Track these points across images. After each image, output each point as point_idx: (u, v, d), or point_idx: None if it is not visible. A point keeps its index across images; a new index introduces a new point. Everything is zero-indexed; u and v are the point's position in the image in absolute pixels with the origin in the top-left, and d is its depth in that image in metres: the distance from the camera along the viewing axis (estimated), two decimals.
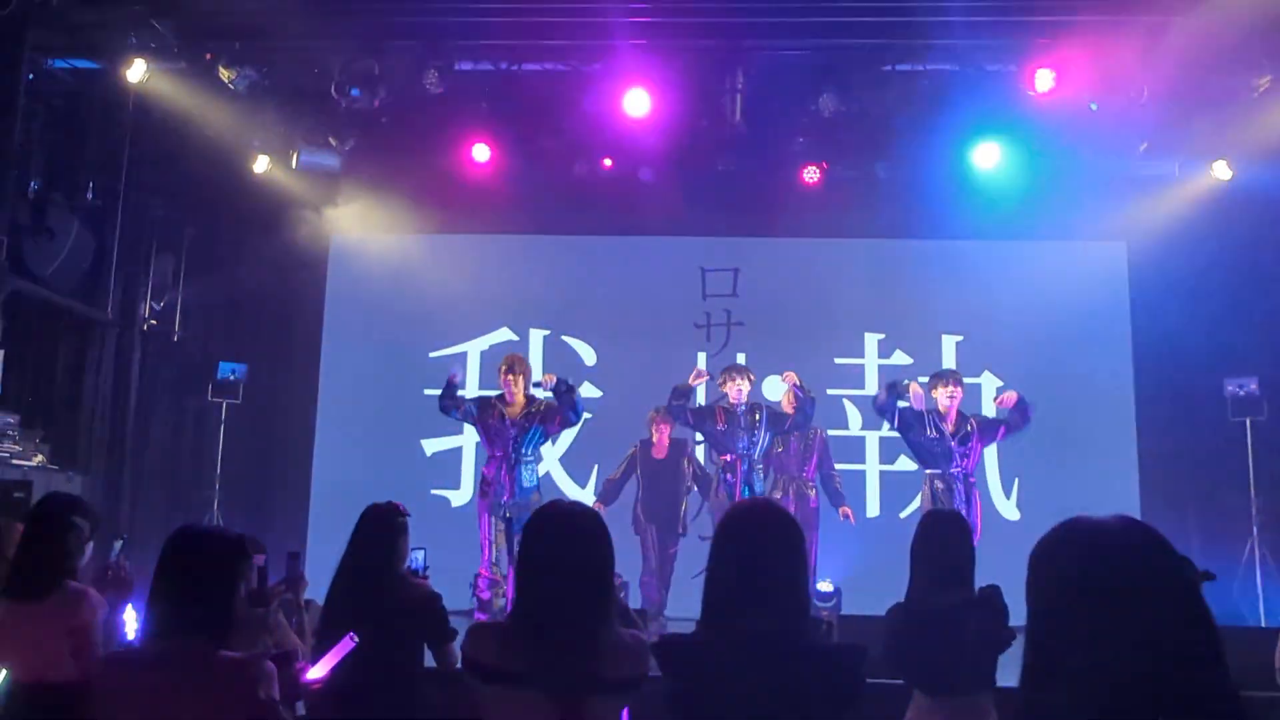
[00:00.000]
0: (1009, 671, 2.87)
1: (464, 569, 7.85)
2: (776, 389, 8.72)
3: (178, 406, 9.67)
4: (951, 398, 7.02)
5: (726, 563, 2.17)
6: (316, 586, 3.71)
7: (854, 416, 9.33)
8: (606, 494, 7.93)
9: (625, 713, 2.25)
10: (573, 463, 9.28)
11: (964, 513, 6.64)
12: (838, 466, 8.13)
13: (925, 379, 7.29)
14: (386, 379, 9.49)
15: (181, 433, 9.67)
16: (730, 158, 8.90)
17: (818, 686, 2.04)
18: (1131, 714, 1.22)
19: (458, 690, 2.41)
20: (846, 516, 7.82)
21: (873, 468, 9.28)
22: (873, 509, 9.20)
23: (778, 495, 7.49)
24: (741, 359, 9.48)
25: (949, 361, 9.30)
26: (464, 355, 9.40)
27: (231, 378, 9.12)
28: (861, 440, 9.29)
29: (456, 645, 3.41)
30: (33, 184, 7.82)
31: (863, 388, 9.39)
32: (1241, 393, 8.34)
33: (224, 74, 7.64)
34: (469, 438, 9.34)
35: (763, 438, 7.29)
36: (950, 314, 9.36)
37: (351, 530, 3.67)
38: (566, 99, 8.25)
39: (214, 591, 2.41)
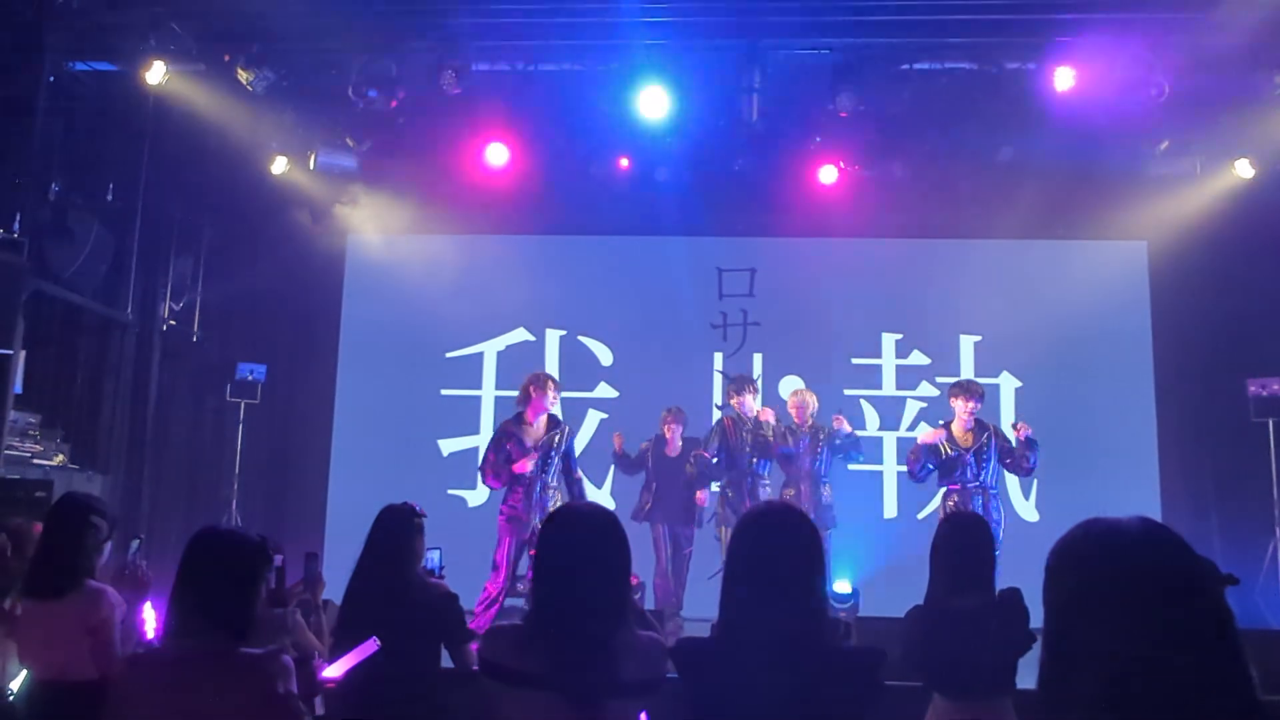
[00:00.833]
0: (1029, 674, 2.84)
1: (481, 570, 7.88)
2: (795, 389, 8.69)
3: (197, 407, 9.73)
4: (970, 412, 7.09)
5: (743, 565, 2.16)
6: (334, 586, 3.72)
7: (871, 417, 9.29)
8: (621, 463, 8.02)
9: (644, 715, 2.24)
10: (588, 463, 9.26)
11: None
12: (852, 467, 8.09)
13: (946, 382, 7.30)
14: (403, 379, 9.53)
15: (200, 433, 9.72)
16: (747, 157, 8.88)
17: (836, 689, 2.03)
18: (1142, 716, 1.21)
19: (474, 691, 2.41)
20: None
21: (890, 469, 9.24)
22: (890, 510, 9.16)
23: (790, 494, 7.48)
24: (758, 360, 9.48)
25: (967, 362, 9.27)
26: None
27: (250, 378, 9.17)
28: (879, 441, 9.24)
29: (474, 646, 3.41)
30: (53, 186, 7.88)
31: (879, 388, 9.36)
32: (1264, 393, 8.26)
33: (242, 75, 7.67)
34: (485, 437, 9.37)
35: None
36: (968, 314, 9.30)
37: (368, 531, 3.68)
38: (583, 99, 8.24)
39: (235, 592, 2.43)
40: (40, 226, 7.63)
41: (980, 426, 7.13)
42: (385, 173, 9.26)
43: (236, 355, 9.40)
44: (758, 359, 9.51)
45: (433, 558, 3.86)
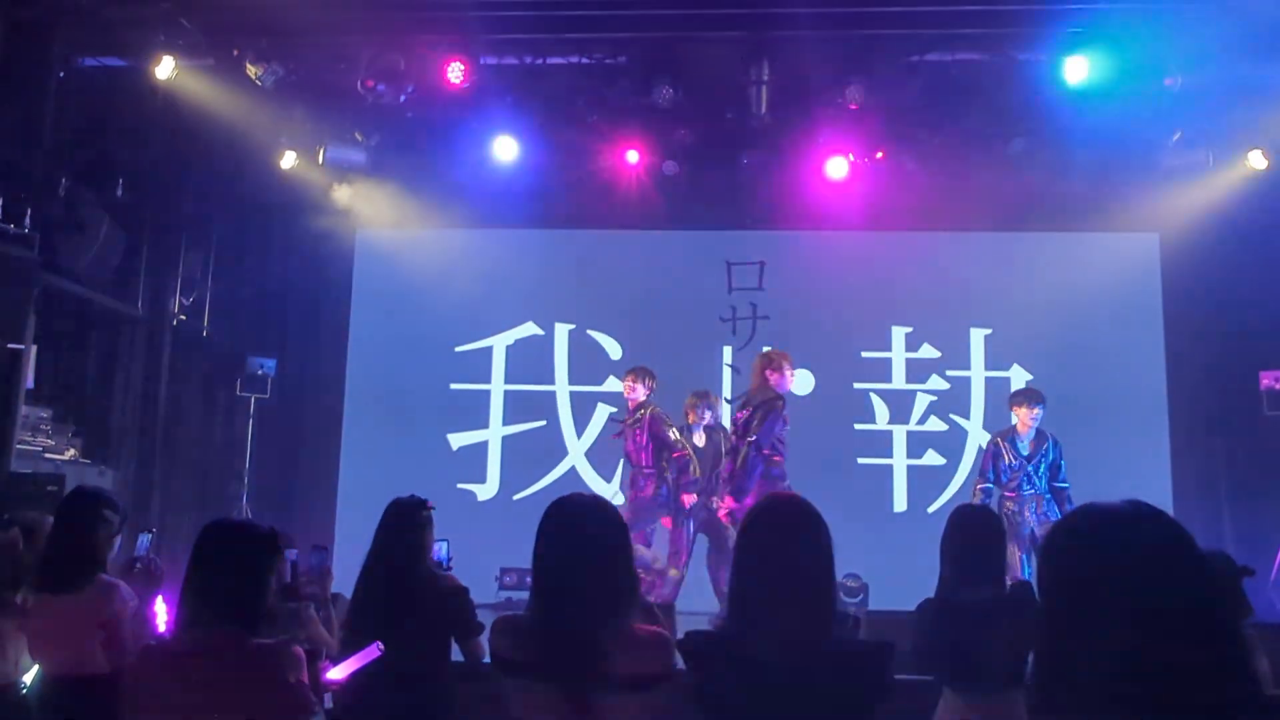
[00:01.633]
0: None
1: (489, 564, 7.90)
2: (805, 383, 8.70)
3: (207, 401, 9.76)
4: (1034, 419, 7.35)
5: (752, 558, 2.15)
6: (343, 580, 3.73)
7: (880, 411, 9.27)
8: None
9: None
10: (599, 457, 9.28)
11: (1036, 533, 6.82)
12: (861, 461, 8.08)
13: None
14: (413, 373, 9.54)
15: (211, 427, 9.76)
16: (756, 150, 8.85)
17: (845, 683, 2.02)
18: (1139, 702, 1.20)
19: (484, 684, 2.41)
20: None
21: (900, 462, 9.21)
22: (900, 504, 9.14)
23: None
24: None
25: (977, 355, 9.24)
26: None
27: (260, 373, 9.20)
28: (889, 435, 9.22)
29: (483, 639, 3.41)
30: (63, 181, 7.90)
31: (889, 381, 9.33)
32: (1277, 387, 8.20)
33: (251, 70, 7.68)
34: (494, 432, 9.38)
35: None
36: (979, 307, 9.27)
37: (377, 524, 3.67)
38: (591, 93, 8.23)
39: (246, 583, 2.44)
40: (51, 222, 7.65)
41: (1041, 436, 7.37)
42: (394, 167, 9.26)
43: (247, 349, 9.42)
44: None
45: (440, 549, 3.87)
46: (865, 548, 7.58)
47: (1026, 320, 9.06)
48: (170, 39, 7.62)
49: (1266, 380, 8.25)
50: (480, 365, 9.61)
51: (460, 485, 9.28)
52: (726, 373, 9.46)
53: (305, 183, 9.20)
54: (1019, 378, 9.10)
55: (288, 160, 8.90)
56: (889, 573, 7.15)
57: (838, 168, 8.81)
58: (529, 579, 2.34)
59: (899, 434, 9.23)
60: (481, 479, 9.41)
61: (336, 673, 2.79)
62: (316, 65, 8.08)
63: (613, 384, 9.46)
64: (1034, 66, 7.80)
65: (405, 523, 3.62)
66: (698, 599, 7.19)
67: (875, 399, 9.29)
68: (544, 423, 9.46)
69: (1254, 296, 8.49)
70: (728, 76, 7.97)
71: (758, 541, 2.16)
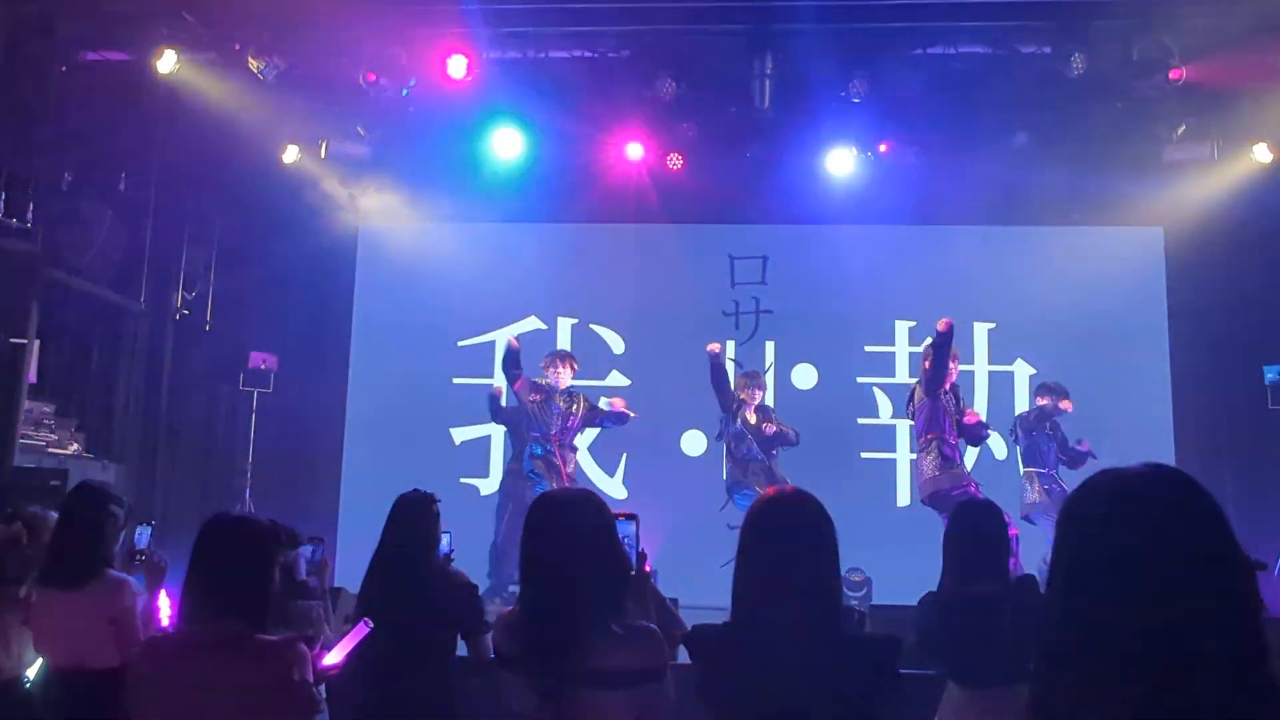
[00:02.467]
0: None
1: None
2: (808, 377, 8.69)
3: (210, 395, 9.76)
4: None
5: (756, 552, 2.14)
6: (349, 574, 3.72)
7: (884, 405, 9.25)
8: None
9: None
10: (601, 452, 9.28)
11: None
12: (864, 455, 8.08)
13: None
14: (415, 367, 9.53)
15: (213, 421, 9.76)
16: (760, 144, 8.83)
17: (852, 677, 2.01)
18: (1146, 672, 1.13)
19: (490, 680, 2.41)
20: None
21: (903, 456, 9.19)
22: (903, 498, 9.12)
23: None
24: (770, 348, 9.46)
25: (981, 349, 9.22)
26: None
27: (262, 367, 9.20)
28: (892, 429, 9.21)
29: (490, 637, 3.40)
30: (66, 176, 7.90)
31: (893, 375, 9.32)
32: None
33: (253, 64, 7.66)
34: (497, 426, 9.38)
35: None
36: (982, 301, 9.24)
37: (385, 519, 3.66)
38: (594, 86, 8.21)
39: (248, 577, 2.44)
40: (54, 216, 7.65)
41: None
42: (396, 161, 9.25)
43: (249, 344, 9.42)
44: (770, 347, 9.48)
45: (443, 541, 3.86)
46: (868, 542, 7.58)
47: (1030, 314, 9.05)
48: (172, 33, 7.61)
49: (1271, 374, 8.23)
50: (483, 359, 9.60)
51: (463, 480, 9.28)
52: (730, 367, 9.44)
53: (307, 177, 9.20)
54: (1022, 372, 9.08)
55: (290, 154, 8.90)
56: (892, 567, 7.15)
57: (841, 161, 8.79)
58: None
59: (902, 428, 9.20)
60: (484, 473, 9.41)
61: (332, 657, 2.78)
62: (318, 59, 8.06)
63: (616, 378, 9.46)
64: (1037, 60, 7.78)
65: (414, 517, 3.61)
66: (708, 593, 7.20)
67: (878, 393, 9.28)
68: None
69: (1259, 290, 8.47)
70: (731, 70, 7.95)
71: (762, 535, 2.15)
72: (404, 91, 7.89)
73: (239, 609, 2.39)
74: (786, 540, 2.10)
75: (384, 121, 8.82)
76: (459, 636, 3.61)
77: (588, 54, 8.14)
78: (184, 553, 2.52)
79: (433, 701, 3.44)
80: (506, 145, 8.62)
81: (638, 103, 8.14)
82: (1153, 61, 7.42)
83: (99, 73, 8.28)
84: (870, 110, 8.12)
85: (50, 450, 7.59)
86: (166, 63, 7.59)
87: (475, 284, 9.50)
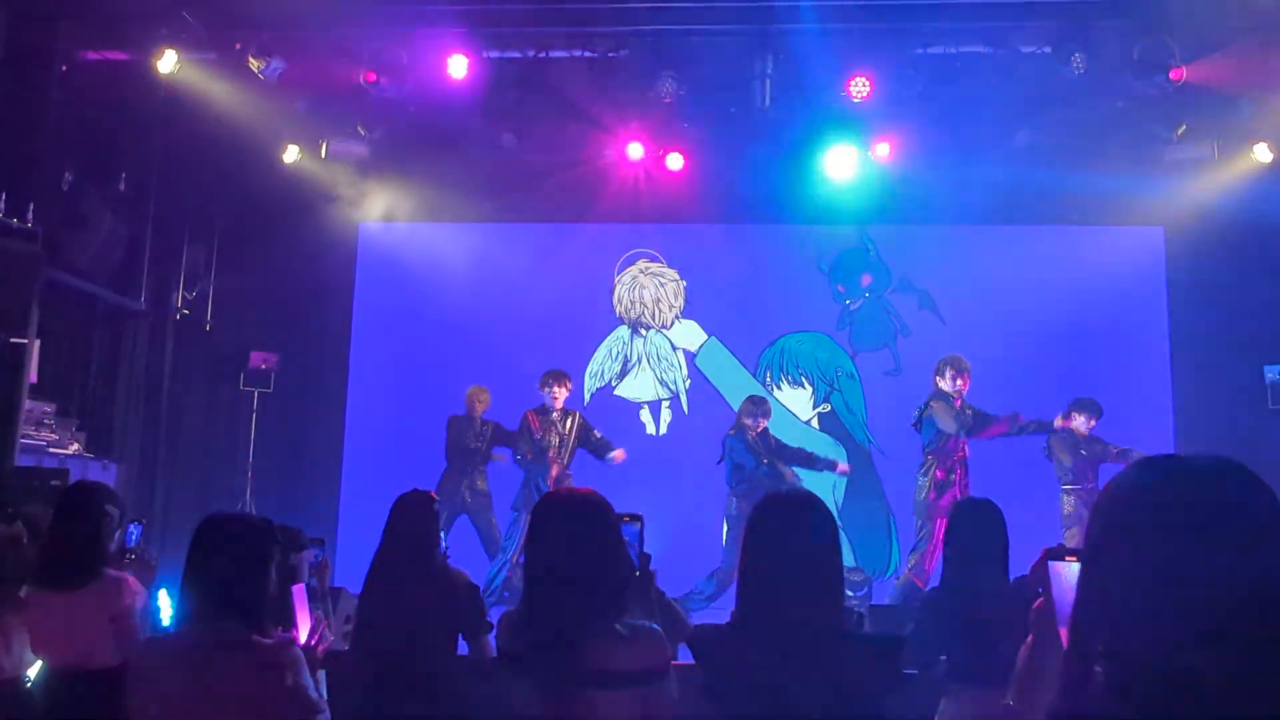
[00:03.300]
0: None
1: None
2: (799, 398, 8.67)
3: (210, 395, 9.76)
4: (1089, 425, 7.65)
5: (760, 552, 2.14)
6: (349, 575, 3.72)
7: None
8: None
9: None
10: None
11: None
12: None
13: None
14: (415, 367, 9.53)
15: (214, 421, 9.76)
16: (760, 143, 8.82)
17: (854, 677, 2.01)
18: (1188, 697, 1.06)
19: (490, 680, 2.41)
20: None
21: None
22: None
23: None
24: None
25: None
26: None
27: (263, 367, 9.20)
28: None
29: (492, 637, 3.40)
30: (66, 175, 7.89)
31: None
32: None
33: (253, 64, 7.66)
34: None
35: None
36: (982, 300, 9.24)
37: (385, 519, 3.66)
38: (594, 86, 8.20)
39: (244, 576, 2.43)
40: (54, 216, 7.64)
41: (1091, 439, 7.67)
42: (396, 160, 9.25)
43: (250, 344, 9.42)
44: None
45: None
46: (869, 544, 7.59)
47: (1030, 313, 9.04)
48: (172, 32, 7.60)
49: (1271, 373, 8.23)
50: (484, 358, 9.59)
51: None
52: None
53: (308, 176, 9.19)
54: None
55: (290, 154, 8.89)
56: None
57: (841, 161, 8.78)
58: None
59: None
60: None
61: (303, 636, 2.77)
62: (319, 59, 8.05)
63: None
64: (1038, 59, 7.77)
65: (416, 517, 3.60)
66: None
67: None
68: None
69: (1259, 290, 8.47)
70: (731, 70, 7.95)
71: (765, 535, 2.15)
72: (404, 91, 7.89)
73: (235, 609, 2.39)
74: (789, 540, 2.11)
75: (384, 121, 8.82)
76: (460, 636, 3.61)
77: (588, 54, 8.13)
78: (184, 552, 2.52)
79: (434, 702, 3.44)
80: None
81: (638, 103, 8.14)
82: (1153, 61, 7.40)
83: (99, 73, 8.27)
84: (871, 110, 8.12)
85: (50, 450, 7.58)
86: (167, 63, 7.58)
87: (475, 283, 9.50)
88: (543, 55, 8.16)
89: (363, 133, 8.93)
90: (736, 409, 7.88)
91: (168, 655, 2.45)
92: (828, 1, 7.31)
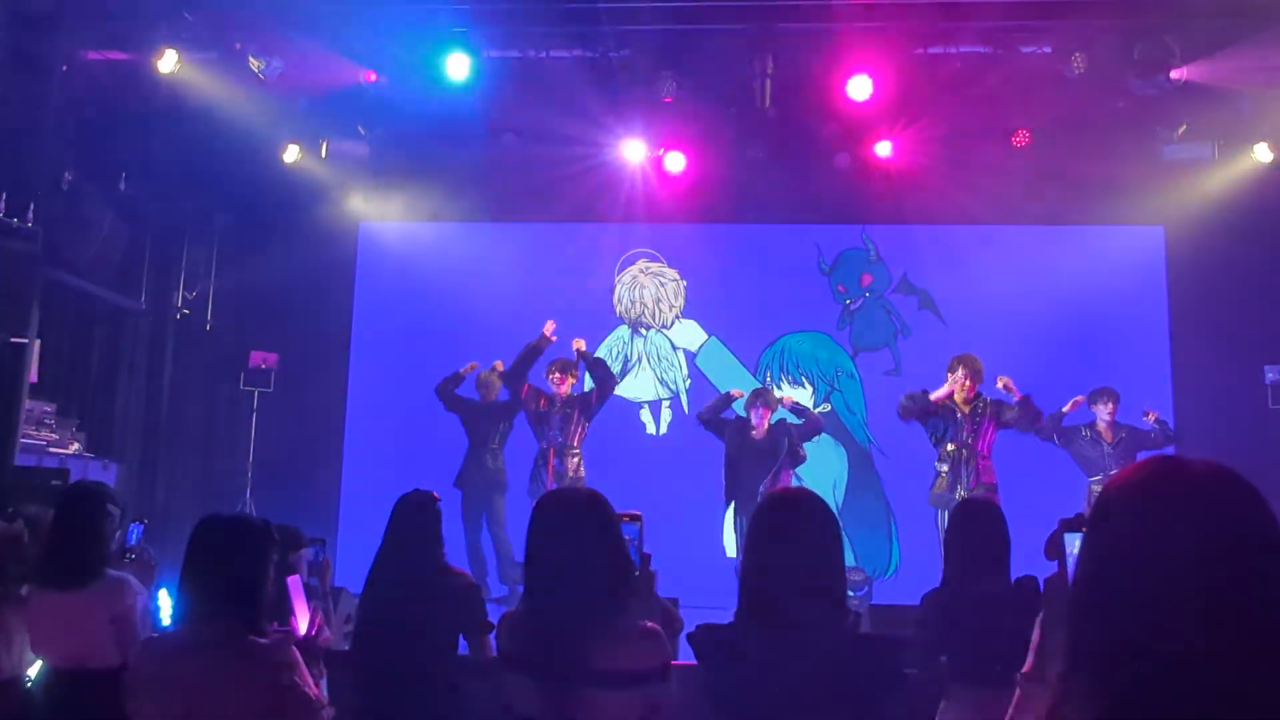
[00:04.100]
0: None
1: (492, 556, 7.90)
2: (800, 398, 8.66)
3: (210, 395, 9.76)
4: (1111, 413, 7.71)
5: (760, 552, 2.14)
6: (349, 574, 3.72)
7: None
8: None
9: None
10: (601, 452, 9.25)
11: None
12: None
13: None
14: (415, 366, 9.52)
15: (214, 421, 9.76)
16: (761, 144, 8.82)
17: (857, 677, 2.01)
18: (1173, 652, 1.05)
19: (491, 680, 2.41)
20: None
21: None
22: None
23: None
24: None
25: None
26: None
27: (263, 366, 9.19)
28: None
29: (492, 638, 3.40)
30: (66, 175, 7.89)
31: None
32: None
33: (253, 64, 7.66)
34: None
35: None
36: (982, 300, 9.24)
37: (387, 518, 3.65)
38: (594, 86, 8.20)
39: (242, 576, 2.44)
40: (54, 216, 7.64)
41: (1118, 427, 7.77)
42: (396, 160, 9.25)
43: (249, 343, 9.42)
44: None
45: None
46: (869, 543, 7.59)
47: (1030, 313, 9.04)
48: (173, 32, 7.60)
49: (1272, 373, 8.23)
50: (483, 358, 9.59)
51: None
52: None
53: (308, 176, 9.19)
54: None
55: (290, 154, 8.89)
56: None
57: (842, 161, 8.78)
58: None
59: None
60: None
61: (302, 628, 2.77)
62: (319, 59, 8.05)
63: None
64: (1038, 59, 7.77)
65: (418, 517, 3.60)
66: (707, 594, 7.20)
67: None
68: None
69: (1259, 290, 8.47)
70: (731, 70, 7.95)
71: (765, 535, 2.15)
72: (404, 91, 7.88)
73: (233, 609, 2.39)
74: (791, 539, 2.10)
75: (384, 121, 8.82)
76: (461, 636, 3.61)
77: (588, 54, 8.13)
78: (183, 552, 2.52)
79: (435, 701, 3.44)
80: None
81: (638, 103, 8.14)
82: (1153, 61, 7.40)
83: (99, 73, 8.27)
84: (871, 110, 8.11)
85: (51, 450, 7.58)
86: (167, 62, 7.58)
87: (475, 283, 9.50)
88: (543, 55, 8.16)
89: (363, 133, 8.94)
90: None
91: (167, 655, 2.45)
92: (827, 1, 7.31)
